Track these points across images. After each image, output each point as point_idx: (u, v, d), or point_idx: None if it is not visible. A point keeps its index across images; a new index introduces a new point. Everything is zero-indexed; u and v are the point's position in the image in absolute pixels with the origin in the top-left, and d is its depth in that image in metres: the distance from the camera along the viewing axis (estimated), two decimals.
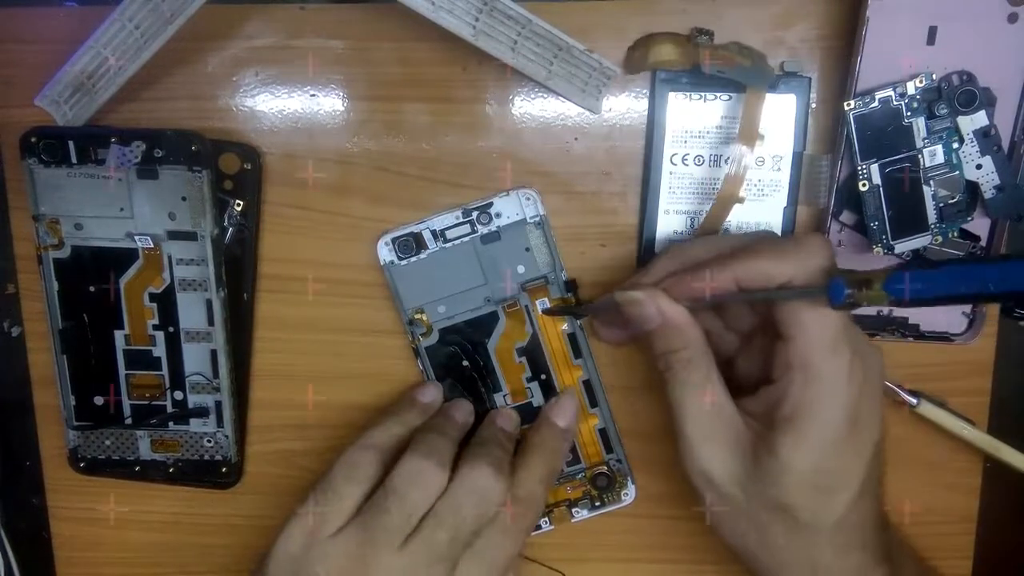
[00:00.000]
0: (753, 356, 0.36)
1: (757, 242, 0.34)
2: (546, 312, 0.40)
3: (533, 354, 0.41)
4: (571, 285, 0.40)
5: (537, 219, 0.39)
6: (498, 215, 0.39)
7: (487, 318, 0.40)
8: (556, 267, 0.40)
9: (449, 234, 0.39)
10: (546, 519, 0.42)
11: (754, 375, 0.36)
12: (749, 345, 0.37)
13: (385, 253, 0.39)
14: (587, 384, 0.41)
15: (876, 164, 0.37)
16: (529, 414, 0.41)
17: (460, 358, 0.40)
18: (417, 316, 0.40)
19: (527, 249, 0.40)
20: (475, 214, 0.39)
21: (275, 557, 0.34)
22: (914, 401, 0.41)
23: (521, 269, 0.40)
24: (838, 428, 0.32)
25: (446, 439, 0.37)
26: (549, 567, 0.43)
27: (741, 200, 0.37)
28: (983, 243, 0.39)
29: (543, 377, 0.41)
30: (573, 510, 0.42)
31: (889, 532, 0.36)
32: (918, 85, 0.37)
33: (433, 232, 0.39)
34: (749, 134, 0.37)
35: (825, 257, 0.32)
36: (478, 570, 0.34)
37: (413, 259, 0.40)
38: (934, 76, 0.37)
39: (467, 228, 0.39)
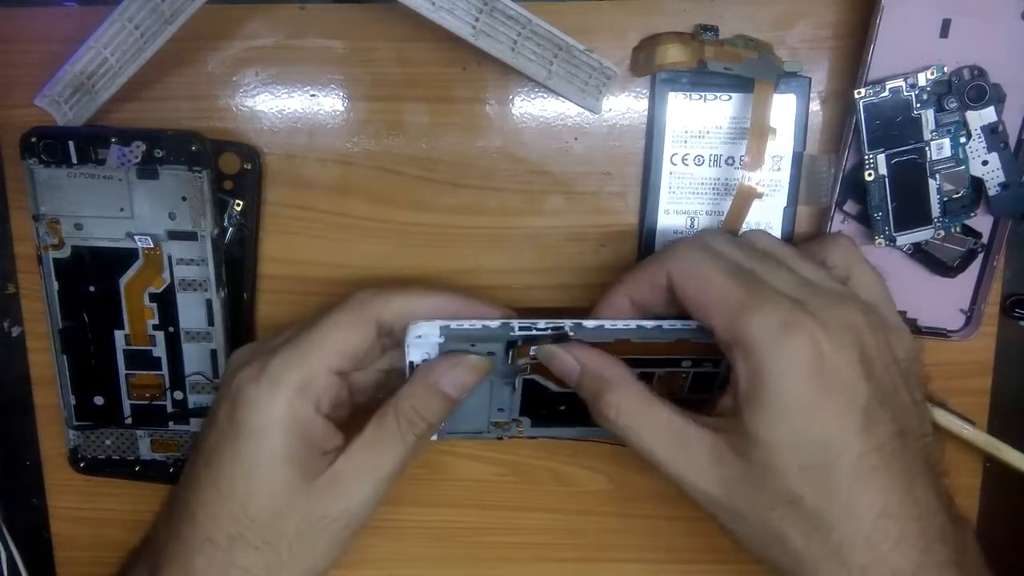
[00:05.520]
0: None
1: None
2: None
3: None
4: None
5: None
6: None
7: None
8: None
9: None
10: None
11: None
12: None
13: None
14: None
15: (883, 154, 0.37)
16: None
17: None
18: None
19: None
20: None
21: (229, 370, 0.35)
22: None
23: None
24: (796, 385, 0.29)
25: None
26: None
27: (760, 195, 0.37)
28: (984, 240, 0.39)
29: None
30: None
31: (960, 529, 0.31)
32: (929, 77, 0.36)
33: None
34: (760, 128, 0.36)
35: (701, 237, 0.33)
36: None
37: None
38: (945, 69, 0.36)
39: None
